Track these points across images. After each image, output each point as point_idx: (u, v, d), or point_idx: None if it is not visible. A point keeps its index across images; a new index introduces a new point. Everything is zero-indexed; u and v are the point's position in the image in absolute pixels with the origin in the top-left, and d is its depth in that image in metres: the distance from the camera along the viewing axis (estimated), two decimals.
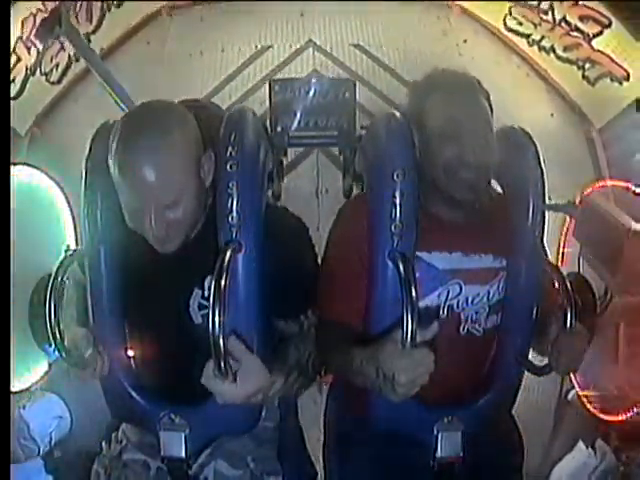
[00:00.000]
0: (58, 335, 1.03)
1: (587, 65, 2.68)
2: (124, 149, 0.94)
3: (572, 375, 2.23)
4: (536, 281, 1.13)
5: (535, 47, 2.86)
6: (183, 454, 1.08)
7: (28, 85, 2.58)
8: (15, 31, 2.41)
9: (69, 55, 2.72)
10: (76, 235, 2.00)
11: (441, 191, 1.09)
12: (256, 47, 2.83)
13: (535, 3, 2.74)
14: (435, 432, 1.11)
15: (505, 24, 2.90)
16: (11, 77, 2.47)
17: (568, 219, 2.28)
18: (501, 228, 1.13)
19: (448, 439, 1.11)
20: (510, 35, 2.90)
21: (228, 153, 1.00)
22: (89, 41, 2.66)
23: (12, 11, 2.30)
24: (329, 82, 1.99)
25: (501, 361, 1.16)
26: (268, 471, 1.13)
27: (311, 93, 1.93)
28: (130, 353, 1.11)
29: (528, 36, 2.87)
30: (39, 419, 1.98)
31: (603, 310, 1.99)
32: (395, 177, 1.02)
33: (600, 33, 2.59)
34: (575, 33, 2.68)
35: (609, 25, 2.55)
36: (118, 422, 1.21)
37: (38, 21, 2.41)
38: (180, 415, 1.08)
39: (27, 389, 1.96)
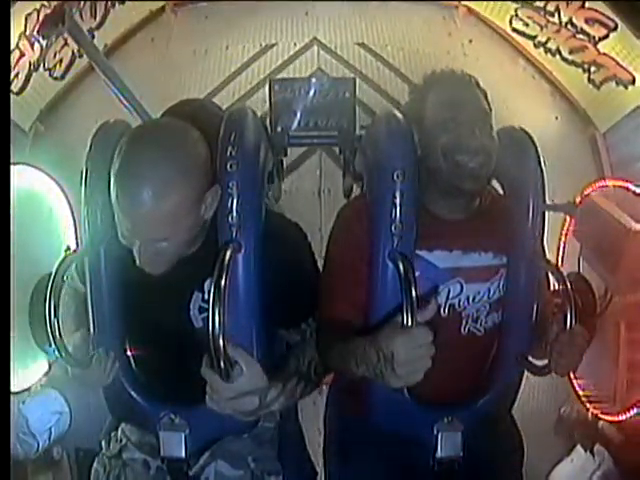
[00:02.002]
0: (58, 335, 1.03)
1: (593, 68, 2.67)
2: (125, 175, 0.91)
3: (572, 375, 2.24)
4: (536, 280, 1.13)
5: (541, 49, 2.86)
6: (183, 454, 1.08)
7: (31, 81, 2.57)
8: (19, 27, 2.41)
9: (73, 51, 2.72)
10: (76, 235, 2.00)
11: (443, 182, 1.09)
12: (260, 45, 2.84)
13: (541, 5, 2.73)
14: (435, 432, 1.11)
15: (511, 25, 2.89)
16: (14, 72, 2.47)
17: (568, 219, 2.28)
18: (501, 227, 1.13)
19: (448, 439, 1.12)
20: (516, 36, 2.89)
21: (228, 153, 1.00)
22: (92, 37, 2.65)
23: (15, 7, 2.32)
24: (329, 82, 1.98)
25: (501, 361, 1.16)
26: (269, 471, 1.13)
27: (311, 93, 1.93)
28: (130, 354, 1.11)
29: (534, 38, 2.86)
30: (38, 414, 1.97)
31: (603, 310, 1.98)
32: (395, 177, 1.02)
33: (606, 36, 2.58)
34: (581, 36, 2.67)
35: (615, 28, 2.54)
36: (117, 421, 1.21)
37: (42, 17, 2.40)
38: (180, 415, 1.08)
39: (27, 389, 1.96)
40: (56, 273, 1.04)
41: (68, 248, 1.10)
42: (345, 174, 2.18)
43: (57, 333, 1.03)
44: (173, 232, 0.94)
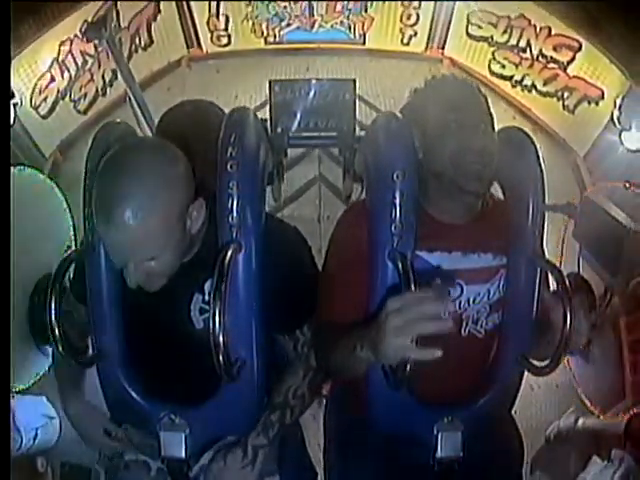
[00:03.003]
0: (58, 335, 1.03)
1: (566, 94, 2.81)
2: (103, 201, 0.90)
3: (575, 380, 2.24)
4: (536, 281, 1.13)
5: (518, 87, 3.05)
6: (183, 454, 1.08)
7: (57, 108, 2.70)
8: (52, 52, 2.55)
9: (97, 88, 2.90)
10: (76, 235, 2.00)
11: (447, 184, 1.08)
12: (266, 95, 3.03)
13: (514, 42, 2.93)
14: (435, 432, 1.11)
15: (490, 69, 3.11)
16: (43, 96, 2.60)
17: (568, 219, 2.28)
18: (501, 228, 1.13)
19: (448, 439, 1.11)
20: (495, 80, 3.10)
21: (228, 153, 1.00)
22: (115, 78, 2.85)
23: (49, 33, 2.50)
24: (329, 83, 1.99)
25: (501, 361, 1.16)
26: (267, 471, 1.13)
27: (311, 94, 1.93)
28: (130, 354, 1.11)
29: (511, 78, 3.05)
30: (27, 411, 1.95)
31: (603, 310, 1.98)
32: (395, 178, 1.02)
33: (573, 59, 2.72)
34: (552, 64, 2.83)
35: (580, 48, 2.68)
36: (118, 422, 1.21)
37: (75, 44, 2.63)
38: (180, 415, 1.08)
39: (27, 389, 1.95)
40: (56, 273, 1.05)
41: (69, 248, 1.10)
42: (345, 175, 2.19)
43: (57, 333, 1.03)
44: (159, 250, 0.94)
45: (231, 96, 3.06)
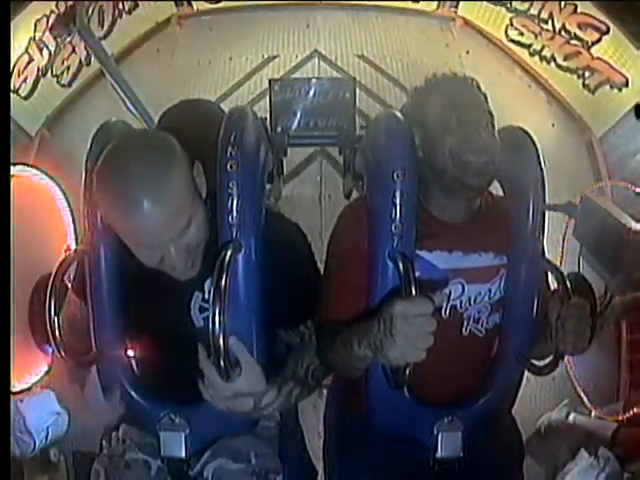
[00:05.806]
0: (58, 335, 1.03)
1: (587, 73, 2.71)
2: (122, 202, 0.91)
3: (573, 374, 2.24)
4: (536, 281, 1.13)
5: (536, 57, 2.92)
6: (183, 454, 1.09)
7: (39, 86, 2.61)
8: (28, 31, 2.45)
9: (80, 59, 2.78)
10: (76, 235, 2.00)
11: (447, 179, 1.08)
12: (263, 56, 2.92)
13: (535, 12, 2.78)
14: (435, 432, 1.11)
15: (507, 35, 2.97)
16: (23, 77, 2.51)
17: (568, 219, 2.28)
18: (501, 227, 1.13)
19: (448, 439, 1.12)
20: (512, 46, 2.96)
21: (228, 153, 1.00)
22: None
23: (25, 11, 2.38)
24: (329, 82, 1.99)
25: (501, 361, 1.16)
26: (269, 468, 1.13)
27: (311, 93, 1.93)
28: (130, 354, 1.11)
29: (529, 46, 2.92)
30: (36, 413, 1.95)
31: (603, 310, 1.98)
32: (395, 177, 1.02)
33: (599, 40, 2.62)
34: (574, 41, 2.72)
35: (607, 32, 2.58)
36: (118, 421, 1.21)
37: (52, 20, 2.45)
38: (180, 415, 1.08)
39: (27, 389, 1.95)
40: (56, 273, 1.04)
41: (68, 248, 1.10)
42: (345, 174, 2.19)
43: (57, 333, 1.03)
44: (189, 214, 0.95)
45: (225, 58, 2.89)
